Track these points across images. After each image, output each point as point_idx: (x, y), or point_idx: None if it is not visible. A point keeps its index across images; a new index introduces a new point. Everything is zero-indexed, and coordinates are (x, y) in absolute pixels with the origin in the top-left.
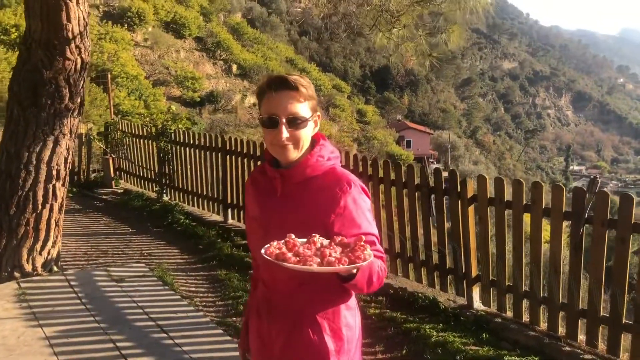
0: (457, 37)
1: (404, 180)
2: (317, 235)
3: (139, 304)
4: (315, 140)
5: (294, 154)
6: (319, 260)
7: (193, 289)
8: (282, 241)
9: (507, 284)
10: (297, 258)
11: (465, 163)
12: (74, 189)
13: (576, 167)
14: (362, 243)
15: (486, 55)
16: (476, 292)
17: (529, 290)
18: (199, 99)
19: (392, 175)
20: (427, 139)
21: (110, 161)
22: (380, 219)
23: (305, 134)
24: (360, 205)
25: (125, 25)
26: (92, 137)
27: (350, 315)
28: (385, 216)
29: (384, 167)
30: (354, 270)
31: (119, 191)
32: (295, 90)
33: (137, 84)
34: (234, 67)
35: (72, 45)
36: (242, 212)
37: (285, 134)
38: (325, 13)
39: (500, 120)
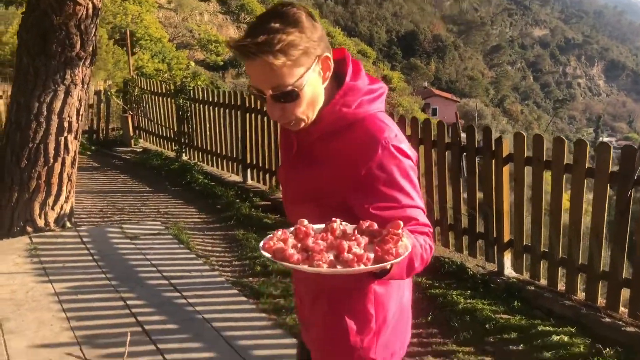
0: None
1: (433, 138)
2: (338, 221)
3: (153, 262)
4: (342, 78)
5: (301, 125)
6: (332, 257)
7: (209, 248)
8: (291, 229)
9: (542, 250)
10: (305, 254)
11: (492, 132)
12: (93, 147)
13: (606, 139)
14: (399, 231)
15: (516, 22)
16: (508, 258)
17: (567, 257)
18: (222, 63)
19: (420, 134)
20: (454, 107)
21: (130, 119)
22: None
23: (307, 98)
24: (392, 172)
25: None
26: (110, 93)
27: (383, 292)
28: None
29: (412, 125)
30: (388, 266)
31: (137, 150)
32: (267, 56)
33: (160, 47)
34: None
35: None
36: (261, 173)
37: (276, 111)
38: None
39: (529, 89)
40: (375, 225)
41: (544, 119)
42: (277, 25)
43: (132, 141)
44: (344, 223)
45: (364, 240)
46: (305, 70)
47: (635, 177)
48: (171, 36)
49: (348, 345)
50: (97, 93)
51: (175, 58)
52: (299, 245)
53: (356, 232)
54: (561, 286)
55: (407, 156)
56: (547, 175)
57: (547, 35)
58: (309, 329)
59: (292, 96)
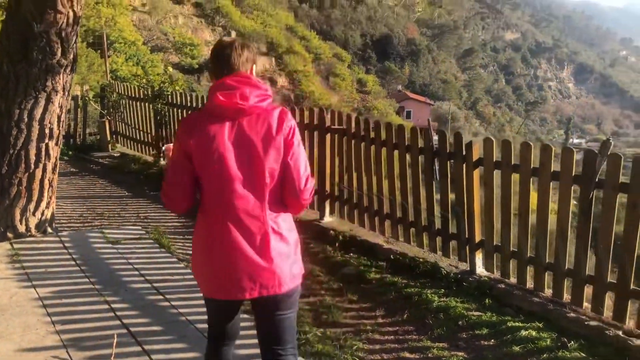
0: None
1: (407, 143)
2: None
3: (135, 266)
4: None
5: None
6: None
7: (190, 252)
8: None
9: (511, 249)
10: None
11: (465, 134)
12: (70, 152)
13: (576, 140)
14: None
15: (488, 25)
16: (479, 257)
17: (534, 256)
18: (197, 66)
19: (395, 139)
20: (427, 110)
21: (107, 124)
22: (382, 185)
23: None
24: None
25: None
26: (87, 99)
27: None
28: (387, 181)
29: (387, 130)
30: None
31: (115, 155)
32: None
33: (135, 50)
34: (233, 33)
35: None
36: None
37: None
38: None
39: (501, 92)
40: None
41: (516, 120)
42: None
43: (110, 146)
44: None
45: None
46: None
47: (597, 180)
48: (145, 39)
49: None
50: (74, 98)
51: (150, 61)
52: None
53: None
54: (530, 284)
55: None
56: (516, 177)
57: (519, 38)
58: None
59: None
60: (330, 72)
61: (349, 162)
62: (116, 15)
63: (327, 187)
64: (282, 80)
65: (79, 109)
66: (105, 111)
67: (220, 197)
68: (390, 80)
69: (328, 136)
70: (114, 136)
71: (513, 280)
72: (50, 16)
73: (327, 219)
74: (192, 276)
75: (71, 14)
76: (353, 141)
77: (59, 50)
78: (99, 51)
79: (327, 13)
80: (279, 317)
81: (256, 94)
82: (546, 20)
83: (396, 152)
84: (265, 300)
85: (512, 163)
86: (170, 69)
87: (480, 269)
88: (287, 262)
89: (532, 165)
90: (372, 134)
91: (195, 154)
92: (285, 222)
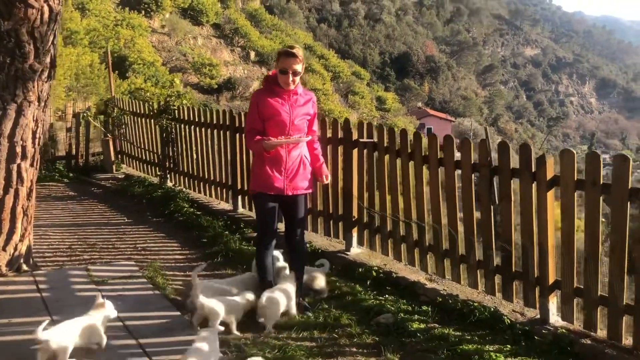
0: None
1: (456, 158)
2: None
3: (119, 315)
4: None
5: (292, 86)
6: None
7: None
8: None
9: (599, 293)
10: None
11: None
12: (71, 174)
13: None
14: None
15: (508, 41)
16: (553, 302)
17: (633, 303)
18: (216, 86)
19: (440, 153)
20: (449, 127)
21: (111, 143)
22: (423, 210)
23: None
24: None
25: (142, 11)
26: (87, 114)
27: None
28: (431, 203)
29: (431, 142)
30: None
31: (119, 176)
32: (297, 59)
33: (153, 71)
34: (252, 54)
35: None
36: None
37: (291, 80)
38: None
39: (522, 108)
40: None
41: (538, 137)
42: (299, 50)
43: (114, 167)
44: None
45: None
46: (302, 68)
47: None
48: (164, 60)
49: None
50: (76, 115)
51: (168, 81)
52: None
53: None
54: (626, 340)
55: None
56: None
57: (539, 54)
58: (293, 180)
59: (299, 74)
60: (349, 90)
61: (381, 182)
62: (135, 37)
63: (355, 213)
64: None
65: (80, 127)
66: (110, 129)
67: None
68: (409, 98)
69: (355, 151)
70: (119, 156)
71: (602, 333)
72: (20, 11)
73: (355, 251)
74: (189, 329)
75: (46, 8)
76: (386, 157)
77: (32, 52)
78: (117, 71)
79: (345, 32)
80: None
81: None
82: (566, 36)
83: (442, 169)
84: None
85: (602, 182)
86: (177, 81)
87: (554, 317)
88: None
89: (630, 185)
90: (409, 148)
91: None
92: None
